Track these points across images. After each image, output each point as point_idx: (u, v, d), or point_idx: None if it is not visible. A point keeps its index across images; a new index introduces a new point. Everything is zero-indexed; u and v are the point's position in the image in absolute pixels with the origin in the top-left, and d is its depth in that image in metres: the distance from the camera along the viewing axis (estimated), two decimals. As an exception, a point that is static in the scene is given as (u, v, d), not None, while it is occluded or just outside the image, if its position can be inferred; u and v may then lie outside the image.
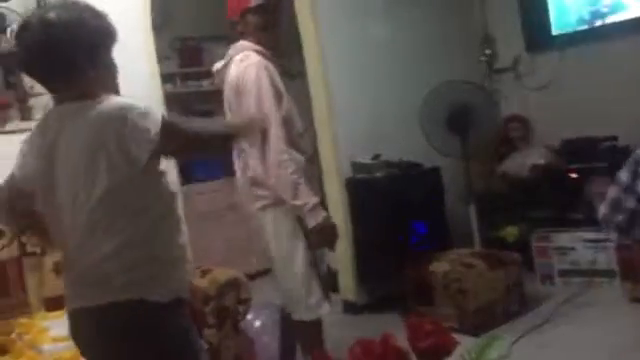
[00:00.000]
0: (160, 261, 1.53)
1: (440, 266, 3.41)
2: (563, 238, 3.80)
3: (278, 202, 2.40)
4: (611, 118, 3.89)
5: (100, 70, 1.55)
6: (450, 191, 4.05)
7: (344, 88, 3.94)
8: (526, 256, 3.74)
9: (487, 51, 4.69)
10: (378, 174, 3.82)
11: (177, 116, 1.60)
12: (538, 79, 4.43)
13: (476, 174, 4.08)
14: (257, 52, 2.46)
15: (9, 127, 2.79)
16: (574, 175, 3.97)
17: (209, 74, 5.02)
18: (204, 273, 2.65)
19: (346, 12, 3.99)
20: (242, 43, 2.49)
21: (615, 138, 3.88)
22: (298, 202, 2.33)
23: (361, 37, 4.06)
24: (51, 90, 1.58)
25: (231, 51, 2.52)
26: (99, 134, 1.45)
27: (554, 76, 4.30)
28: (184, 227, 1.62)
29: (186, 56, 5.19)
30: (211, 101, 4.91)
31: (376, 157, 3.92)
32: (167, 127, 1.46)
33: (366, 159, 3.91)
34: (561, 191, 3.97)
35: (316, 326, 2.51)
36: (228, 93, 2.49)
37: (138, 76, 3.15)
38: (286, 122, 2.39)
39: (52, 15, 1.49)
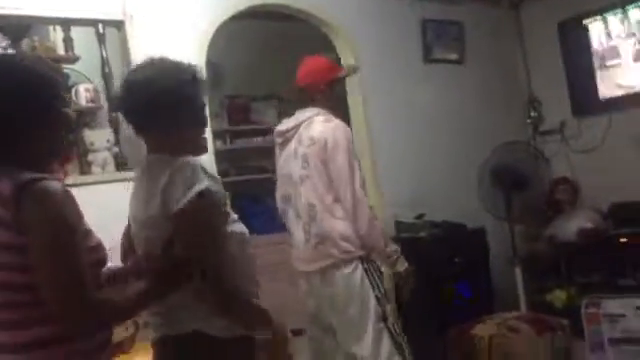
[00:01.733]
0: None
1: (485, 329, 3.35)
2: (613, 305, 3.68)
3: (358, 257, 2.51)
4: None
5: (186, 127, 1.64)
6: (495, 253, 4.01)
7: (388, 147, 4.01)
8: (574, 322, 3.64)
9: (533, 114, 4.71)
10: (422, 234, 3.82)
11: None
12: (585, 142, 4.40)
13: (521, 236, 4.03)
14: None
15: (69, 181, 2.91)
16: (623, 240, 3.88)
17: (257, 132, 5.24)
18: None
19: (390, 75, 4.09)
20: (318, 108, 2.62)
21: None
22: (390, 249, 2.53)
23: (405, 97, 4.14)
24: (143, 139, 1.68)
25: (307, 113, 2.62)
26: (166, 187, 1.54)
27: (602, 140, 4.27)
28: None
29: (235, 114, 5.36)
30: (259, 158, 5.06)
31: (420, 217, 3.92)
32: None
33: (410, 219, 3.92)
34: (610, 256, 3.88)
35: None
36: (308, 150, 2.55)
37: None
38: None
39: (150, 73, 1.61)
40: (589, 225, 4.08)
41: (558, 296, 3.95)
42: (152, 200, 1.53)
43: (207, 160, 3.31)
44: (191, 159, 1.56)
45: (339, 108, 2.74)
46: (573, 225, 4.13)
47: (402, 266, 2.58)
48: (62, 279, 1.27)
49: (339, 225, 2.50)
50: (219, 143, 4.88)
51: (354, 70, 2.80)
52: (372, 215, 2.52)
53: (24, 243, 1.27)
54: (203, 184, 1.48)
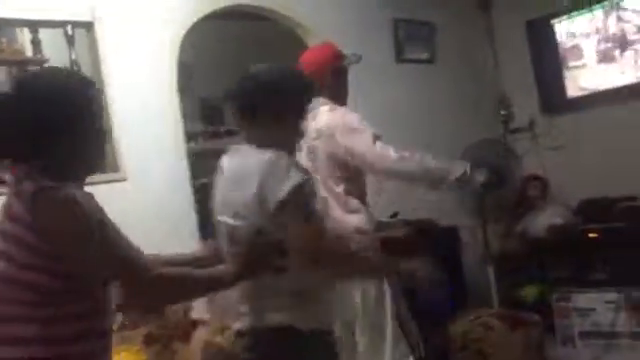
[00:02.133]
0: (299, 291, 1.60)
1: (459, 327, 3.38)
2: (583, 299, 3.75)
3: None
4: (630, 179, 3.92)
5: (282, 124, 1.71)
6: (468, 250, 4.05)
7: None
8: (546, 317, 3.69)
9: (503, 112, 4.77)
10: (396, 233, 3.83)
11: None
12: (554, 140, 4.48)
13: (493, 233, 4.08)
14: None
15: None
16: (592, 235, 3.96)
17: (230, 133, 5.22)
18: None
19: (362, 74, 4.08)
20: (321, 98, 2.54)
21: (634, 198, 3.89)
22: (456, 175, 2.50)
23: (377, 96, 4.15)
24: (245, 128, 1.76)
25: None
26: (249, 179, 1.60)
27: (570, 137, 4.35)
28: None
29: (208, 115, 5.34)
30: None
31: (394, 215, 3.95)
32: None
33: (384, 217, 3.94)
34: (580, 251, 3.95)
35: None
36: (314, 143, 2.51)
37: (164, 133, 3.27)
38: None
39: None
40: (559, 221, 4.15)
41: (530, 291, 4.01)
42: (246, 190, 1.58)
43: (180, 159, 3.34)
44: (284, 153, 1.62)
45: (344, 98, 2.66)
46: (543, 221, 4.20)
47: (481, 176, 2.59)
48: (118, 264, 1.33)
49: (353, 219, 2.47)
50: (192, 144, 4.84)
51: (357, 59, 2.72)
52: (421, 159, 2.53)
53: (49, 249, 1.30)
54: (300, 176, 1.55)
